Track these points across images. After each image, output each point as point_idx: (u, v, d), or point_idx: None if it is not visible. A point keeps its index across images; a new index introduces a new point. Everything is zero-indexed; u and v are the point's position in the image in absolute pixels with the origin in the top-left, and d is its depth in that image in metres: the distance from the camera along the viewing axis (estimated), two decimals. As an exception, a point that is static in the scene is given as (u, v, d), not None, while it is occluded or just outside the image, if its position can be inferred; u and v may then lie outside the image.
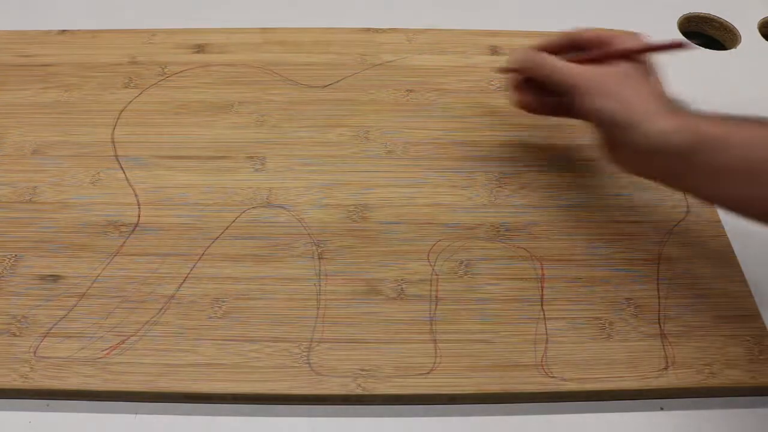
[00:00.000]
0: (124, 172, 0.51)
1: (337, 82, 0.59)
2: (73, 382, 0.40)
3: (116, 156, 0.53)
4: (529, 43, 0.62)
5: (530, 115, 0.51)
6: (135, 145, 0.53)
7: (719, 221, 0.49)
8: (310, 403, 0.41)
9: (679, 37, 0.67)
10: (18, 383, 0.40)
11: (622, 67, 0.45)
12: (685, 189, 0.45)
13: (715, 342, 0.43)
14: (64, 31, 0.63)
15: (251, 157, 0.53)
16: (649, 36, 0.47)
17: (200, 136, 0.54)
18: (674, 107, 0.43)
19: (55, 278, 0.45)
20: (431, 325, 0.43)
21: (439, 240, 0.48)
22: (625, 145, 0.44)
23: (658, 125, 0.42)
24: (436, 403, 0.41)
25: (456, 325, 0.43)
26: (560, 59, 0.48)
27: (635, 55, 0.45)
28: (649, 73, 0.45)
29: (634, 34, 0.47)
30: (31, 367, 0.41)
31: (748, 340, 0.43)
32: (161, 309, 0.44)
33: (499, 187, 0.51)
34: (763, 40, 0.68)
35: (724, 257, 0.47)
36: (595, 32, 0.48)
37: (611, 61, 0.45)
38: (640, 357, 0.42)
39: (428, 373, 0.41)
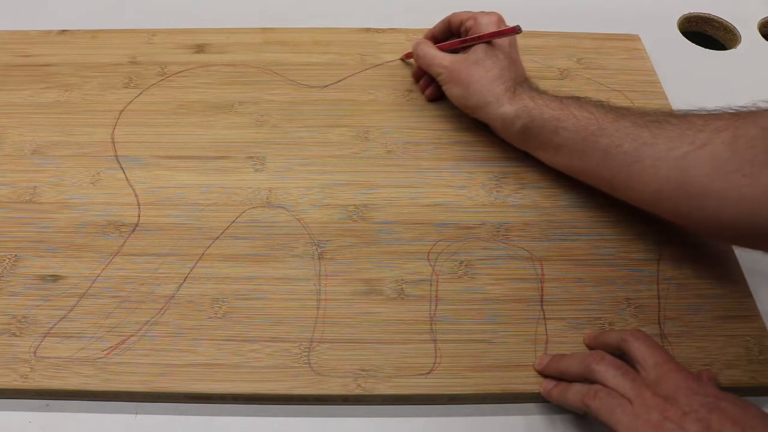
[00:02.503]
0: (124, 172, 0.51)
1: (337, 82, 0.59)
2: (72, 382, 0.40)
3: (116, 156, 0.53)
4: (530, 44, 0.63)
5: None
6: (135, 145, 0.53)
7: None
8: (310, 403, 0.41)
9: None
10: (18, 383, 0.40)
11: (474, 54, 0.51)
12: (541, 159, 0.51)
13: (715, 342, 0.43)
14: (64, 31, 0.63)
15: (251, 157, 0.53)
16: (505, 19, 0.53)
17: (200, 136, 0.54)
18: (517, 89, 0.49)
19: (55, 278, 0.45)
20: (431, 325, 0.43)
21: (439, 240, 0.48)
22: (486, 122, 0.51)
23: (500, 110, 0.49)
24: (436, 403, 0.41)
25: (456, 325, 0.43)
26: (435, 49, 0.54)
27: (489, 38, 0.51)
28: (503, 54, 0.51)
29: (490, 15, 0.52)
30: (31, 367, 0.41)
31: (748, 340, 0.43)
32: (161, 309, 0.44)
33: (499, 187, 0.51)
34: (763, 40, 0.68)
35: (724, 257, 0.47)
36: (459, 16, 0.54)
37: (470, 47, 0.52)
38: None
39: (428, 373, 0.41)
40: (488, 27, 0.51)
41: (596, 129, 0.45)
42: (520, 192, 0.51)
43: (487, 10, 0.53)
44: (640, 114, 0.44)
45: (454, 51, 0.54)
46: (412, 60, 0.59)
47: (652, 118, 0.43)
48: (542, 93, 0.49)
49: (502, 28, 0.51)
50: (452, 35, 0.56)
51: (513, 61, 0.51)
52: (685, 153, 0.40)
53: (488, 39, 0.51)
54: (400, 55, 0.61)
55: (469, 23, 0.53)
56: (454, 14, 0.55)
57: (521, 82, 0.51)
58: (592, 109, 0.46)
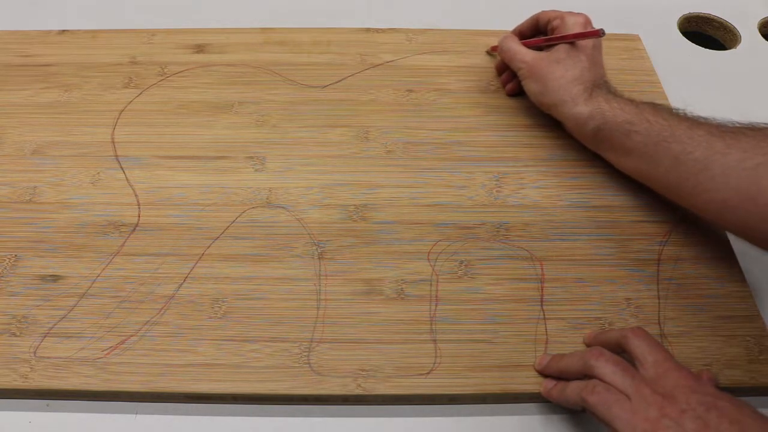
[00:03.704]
0: (124, 172, 0.51)
1: (337, 82, 0.59)
2: (72, 382, 0.40)
3: (116, 156, 0.53)
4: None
5: (529, 112, 0.55)
6: (135, 145, 0.53)
7: (719, 221, 0.49)
8: (310, 403, 0.41)
9: (684, 35, 0.68)
10: (18, 383, 0.40)
11: (556, 53, 0.52)
12: (610, 161, 0.50)
13: (715, 342, 0.43)
14: (64, 31, 0.63)
15: (251, 157, 0.53)
16: (592, 22, 0.53)
17: (200, 136, 0.54)
18: (594, 91, 0.50)
19: (55, 278, 0.45)
20: (431, 325, 0.43)
21: (439, 240, 0.48)
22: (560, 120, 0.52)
23: (575, 109, 0.50)
24: (436, 403, 0.41)
25: (456, 325, 0.43)
26: (519, 44, 0.55)
27: (573, 39, 0.52)
28: (584, 55, 0.51)
29: (577, 17, 0.53)
30: (31, 367, 0.41)
31: (748, 340, 0.43)
32: (161, 309, 0.44)
33: (499, 187, 0.51)
34: (763, 40, 0.68)
35: (724, 257, 0.47)
36: (547, 15, 0.55)
37: (554, 46, 0.53)
38: (640, 357, 0.42)
39: (428, 373, 0.41)
40: (574, 28, 0.52)
41: (669, 135, 0.44)
42: (520, 192, 0.51)
43: (575, 11, 0.54)
44: (716, 124, 0.44)
45: (538, 48, 0.55)
46: (496, 53, 0.60)
47: (728, 129, 0.43)
48: (618, 96, 0.50)
49: (588, 29, 0.52)
50: (539, 32, 0.57)
51: (594, 64, 0.52)
52: (758, 164, 0.40)
53: (572, 39, 0.52)
54: (487, 48, 0.62)
55: (556, 22, 0.54)
56: (542, 12, 0.56)
57: (600, 84, 0.51)
58: (666, 116, 0.46)
